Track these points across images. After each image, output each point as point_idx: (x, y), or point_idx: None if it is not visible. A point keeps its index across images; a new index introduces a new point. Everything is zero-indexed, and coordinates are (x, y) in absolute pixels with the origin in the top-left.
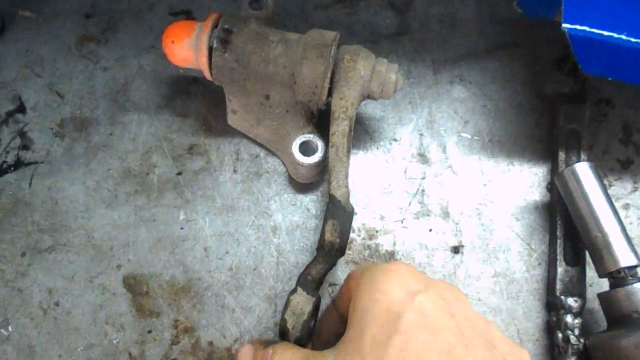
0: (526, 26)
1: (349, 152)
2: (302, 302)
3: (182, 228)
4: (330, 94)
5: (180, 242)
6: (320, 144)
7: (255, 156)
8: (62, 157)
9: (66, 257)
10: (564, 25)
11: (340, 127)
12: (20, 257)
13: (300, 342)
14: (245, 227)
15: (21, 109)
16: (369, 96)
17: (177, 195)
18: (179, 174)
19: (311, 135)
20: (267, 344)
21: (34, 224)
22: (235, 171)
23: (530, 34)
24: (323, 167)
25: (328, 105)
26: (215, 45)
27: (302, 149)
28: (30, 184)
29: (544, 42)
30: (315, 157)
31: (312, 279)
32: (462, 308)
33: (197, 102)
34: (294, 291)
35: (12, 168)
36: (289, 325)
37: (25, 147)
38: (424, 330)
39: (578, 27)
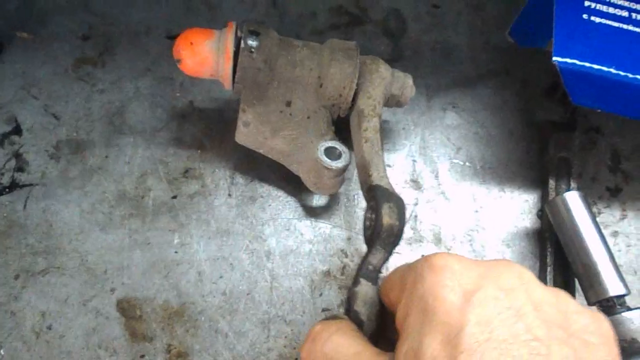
0: (517, 54)
1: (382, 146)
2: (371, 291)
3: (176, 252)
4: (354, 97)
5: (175, 266)
6: (345, 149)
7: (250, 180)
8: (57, 179)
9: (60, 280)
10: (554, 58)
11: (371, 124)
12: (14, 279)
13: (375, 334)
14: (239, 252)
15: (17, 130)
16: (389, 101)
17: (172, 219)
18: (174, 197)
19: (334, 142)
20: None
21: (27, 246)
22: (230, 195)
23: (521, 62)
24: (342, 178)
25: (347, 115)
26: (243, 45)
27: (326, 154)
28: (24, 206)
29: (534, 71)
30: (343, 161)
31: (373, 269)
32: (527, 292)
33: (193, 125)
34: (356, 283)
35: (6, 190)
36: (364, 317)
37: (20, 169)
38: (490, 347)
39: (568, 60)
